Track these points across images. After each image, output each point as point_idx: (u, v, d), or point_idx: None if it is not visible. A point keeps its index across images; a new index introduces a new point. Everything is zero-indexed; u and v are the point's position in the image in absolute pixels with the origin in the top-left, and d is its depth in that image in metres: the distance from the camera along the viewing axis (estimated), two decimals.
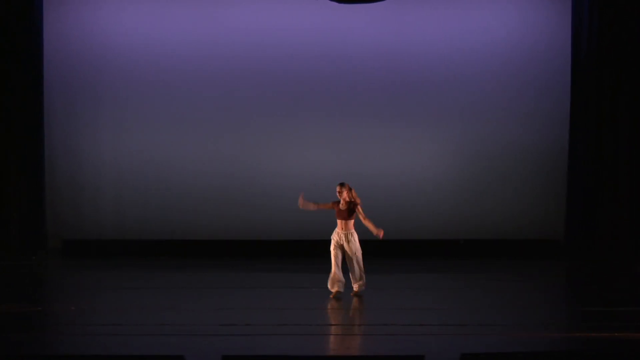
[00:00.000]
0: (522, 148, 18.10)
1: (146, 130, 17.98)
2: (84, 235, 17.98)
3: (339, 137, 18.02)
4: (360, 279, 12.93)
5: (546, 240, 18.13)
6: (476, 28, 18.03)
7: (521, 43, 18.02)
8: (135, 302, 12.76)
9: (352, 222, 12.96)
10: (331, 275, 12.91)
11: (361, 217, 12.91)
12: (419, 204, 18.04)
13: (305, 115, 18.07)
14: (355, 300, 12.91)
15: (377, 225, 12.97)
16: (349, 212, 12.89)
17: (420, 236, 18.00)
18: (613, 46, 17.45)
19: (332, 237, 13.02)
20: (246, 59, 17.91)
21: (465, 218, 18.09)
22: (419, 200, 18.05)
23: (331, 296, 12.83)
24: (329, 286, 12.94)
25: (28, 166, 17.43)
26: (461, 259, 17.27)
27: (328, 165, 17.83)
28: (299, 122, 18.08)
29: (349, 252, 12.87)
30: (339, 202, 12.97)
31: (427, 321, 11.26)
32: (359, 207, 12.91)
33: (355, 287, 12.95)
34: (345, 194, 12.86)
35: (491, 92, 18.09)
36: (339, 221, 12.92)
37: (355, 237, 12.97)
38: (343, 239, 12.89)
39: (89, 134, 17.94)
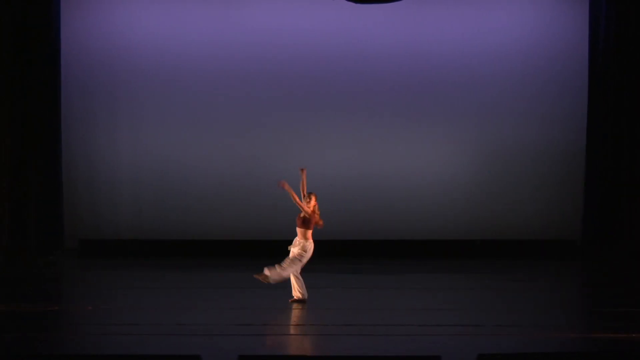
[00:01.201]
0: (539, 148, 18.05)
1: (163, 130, 18.03)
2: (101, 235, 18.05)
3: (354, 138, 18.02)
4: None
5: (563, 240, 18.08)
6: (492, 28, 17.99)
7: (538, 43, 17.97)
8: (152, 301, 12.79)
9: (309, 232, 12.56)
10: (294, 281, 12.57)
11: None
12: (435, 204, 18.02)
13: (321, 115, 18.07)
14: (370, 301, 12.92)
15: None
16: (304, 221, 12.52)
17: (436, 236, 18.00)
18: (630, 46, 17.38)
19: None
20: (262, 59, 17.92)
21: (481, 218, 18.06)
22: (435, 201, 18.03)
23: (292, 300, 12.54)
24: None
25: (45, 166, 17.50)
26: (477, 259, 17.24)
27: (344, 165, 17.90)
28: (315, 122, 18.08)
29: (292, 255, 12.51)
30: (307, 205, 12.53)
31: (444, 322, 11.24)
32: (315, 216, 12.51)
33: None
34: (313, 202, 12.54)
35: (508, 93, 18.05)
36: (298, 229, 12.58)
37: (307, 248, 12.54)
38: (295, 243, 12.60)
39: (105, 134, 17.99)
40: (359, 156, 18.01)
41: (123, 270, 16.09)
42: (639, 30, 17.35)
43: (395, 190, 18.00)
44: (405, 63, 17.99)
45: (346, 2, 16.11)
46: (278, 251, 17.13)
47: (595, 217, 17.71)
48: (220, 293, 13.47)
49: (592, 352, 9.26)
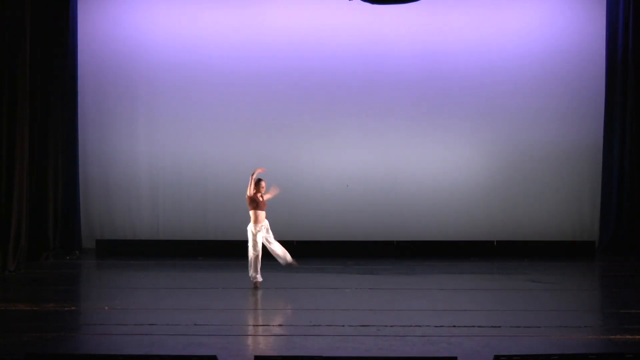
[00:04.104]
0: (557, 150, 18.06)
1: (179, 131, 18.10)
2: (117, 235, 18.13)
3: (371, 140, 18.08)
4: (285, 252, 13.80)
5: (581, 241, 18.02)
6: (509, 30, 18.03)
7: (555, 44, 17.97)
8: (168, 302, 12.80)
9: None
10: (256, 262, 13.56)
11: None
12: (453, 205, 18.05)
13: (338, 116, 18.11)
14: (387, 302, 12.92)
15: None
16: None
17: (455, 237, 18.00)
18: None
19: (257, 231, 13.61)
20: (279, 60, 17.99)
21: (499, 220, 18.09)
22: (454, 202, 18.05)
23: (256, 285, 13.56)
24: (253, 275, 13.62)
25: (63, 167, 17.58)
26: (495, 260, 17.20)
27: (361, 167, 17.97)
28: (332, 123, 18.12)
29: (271, 237, 13.70)
30: (257, 194, 13.72)
31: (460, 323, 11.21)
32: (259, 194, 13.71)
33: (288, 260, 13.84)
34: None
35: (526, 94, 18.07)
36: (261, 212, 13.66)
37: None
38: (268, 226, 13.75)
39: (122, 134, 18.08)
40: (376, 158, 18.02)
41: (139, 270, 16.13)
42: None
43: (412, 191, 18.02)
44: (422, 65, 18.00)
45: (363, 2, 16.10)
46: (296, 251, 17.24)
47: (613, 218, 17.67)
48: (237, 293, 13.47)
49: (610, 354, 9.19)
